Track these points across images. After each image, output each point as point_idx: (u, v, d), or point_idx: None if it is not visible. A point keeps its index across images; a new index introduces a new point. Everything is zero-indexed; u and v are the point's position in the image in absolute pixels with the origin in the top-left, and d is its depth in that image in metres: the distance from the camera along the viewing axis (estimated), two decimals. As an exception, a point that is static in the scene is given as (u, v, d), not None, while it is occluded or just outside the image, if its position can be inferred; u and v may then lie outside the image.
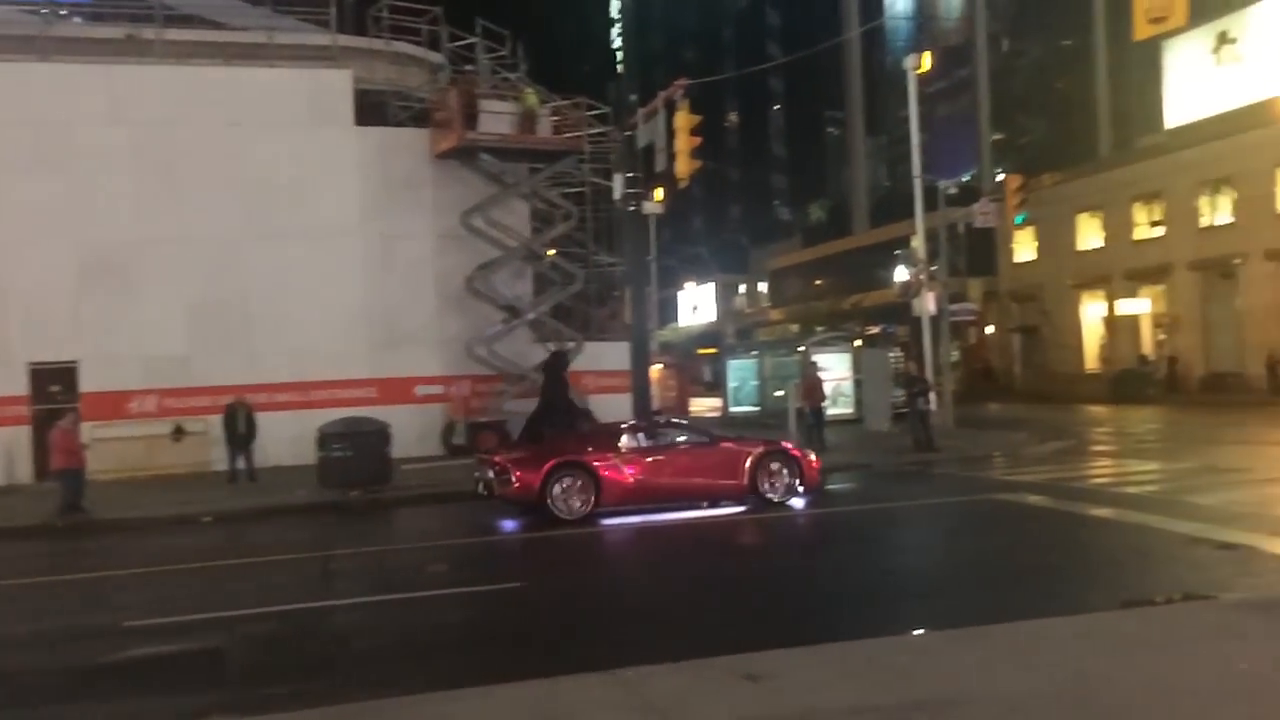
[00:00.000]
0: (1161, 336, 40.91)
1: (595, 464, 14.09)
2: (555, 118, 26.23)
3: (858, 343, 34.04)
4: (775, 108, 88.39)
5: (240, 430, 19.77)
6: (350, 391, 23.58)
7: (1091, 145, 53.82)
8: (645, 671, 6.30)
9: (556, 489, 13.79)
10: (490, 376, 24.82)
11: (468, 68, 27.10)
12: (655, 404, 25.36)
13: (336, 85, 24.68)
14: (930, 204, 28.05)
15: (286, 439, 21.31)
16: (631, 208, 19.50)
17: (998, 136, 62.27)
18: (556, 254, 27.42)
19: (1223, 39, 37.29)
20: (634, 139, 19.18)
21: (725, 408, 34.31)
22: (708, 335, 69.69)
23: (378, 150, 24.93)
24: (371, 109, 25.60)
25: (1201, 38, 37.35)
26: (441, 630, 8.80)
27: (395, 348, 24.53)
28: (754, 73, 63.16)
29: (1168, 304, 40.53)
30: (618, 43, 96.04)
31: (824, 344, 31.87)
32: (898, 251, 36.99)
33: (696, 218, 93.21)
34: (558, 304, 26.73)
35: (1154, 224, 40.96)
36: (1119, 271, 41.93)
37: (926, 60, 27.86)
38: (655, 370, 32.92)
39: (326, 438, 17.78)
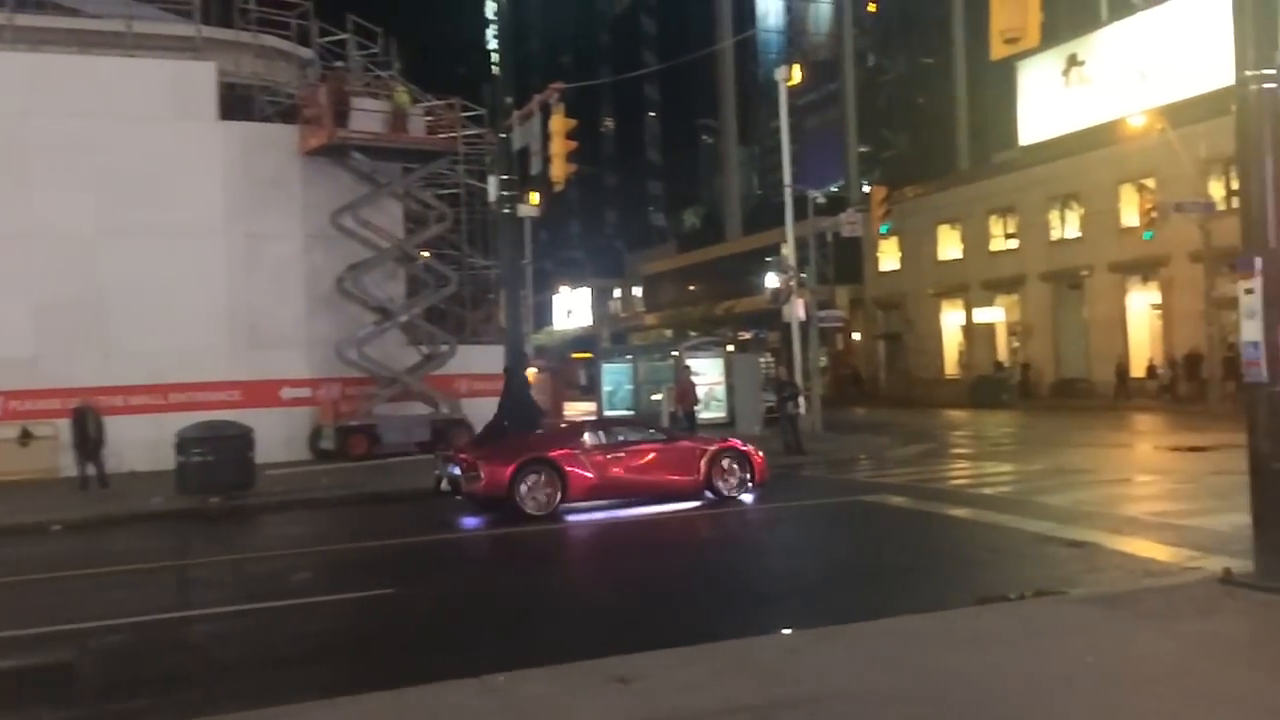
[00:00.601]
0: (1016, 344, 42.77)
1: (561, 461, 14.37)
2: (429, 118, 25.90)
3: (730, 348, 34.56)
4: (651, 114, 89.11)
5: (90, 435, 18.83)
6: (213, 394, 22.77)
7: (951, 159, 56.02)
8: (516, 677, 6.28)
9: (523, 486, 14.04)
10: (361, 379, 24.32)
11: (338, 64, 26.53)
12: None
13: (199, 77, 23.82)
14: (800, 213, 28.71)
15: (143, 444, 20.39)
16: (507, 210, 19.37)
17: (864, 149, 64.20)
18: (430, 255, 27.07)
19: (1072, 61, 39.25)
20: (509, 141, 19.09)
21: (600, 412, 34.39)
22: (583, 339, 69.80)
23: (243, 146, 24.15)
24: (237, 104, 24.81)
25: (1053, 59, 39.22)
26: (307, 639, 8.58)
27: (261, 349, 23.80)
28: (630, 79, 63.62)
29: (1021, 313, 42.40)
30: (493, 44, 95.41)
31: (697, 349, 32.27)
32: (769, 259, 37.75)
33: (573, 222, 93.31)
34: (431, 306, 26.39)
35: (1008, 236, 42.81)
36: (976, 281, 43.67)
37: (796, 73, 28.50)
38: (530, 374, 32.80)
39: (185, 442, 17.10)
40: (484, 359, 25.47)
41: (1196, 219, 29.27)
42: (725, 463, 15.31)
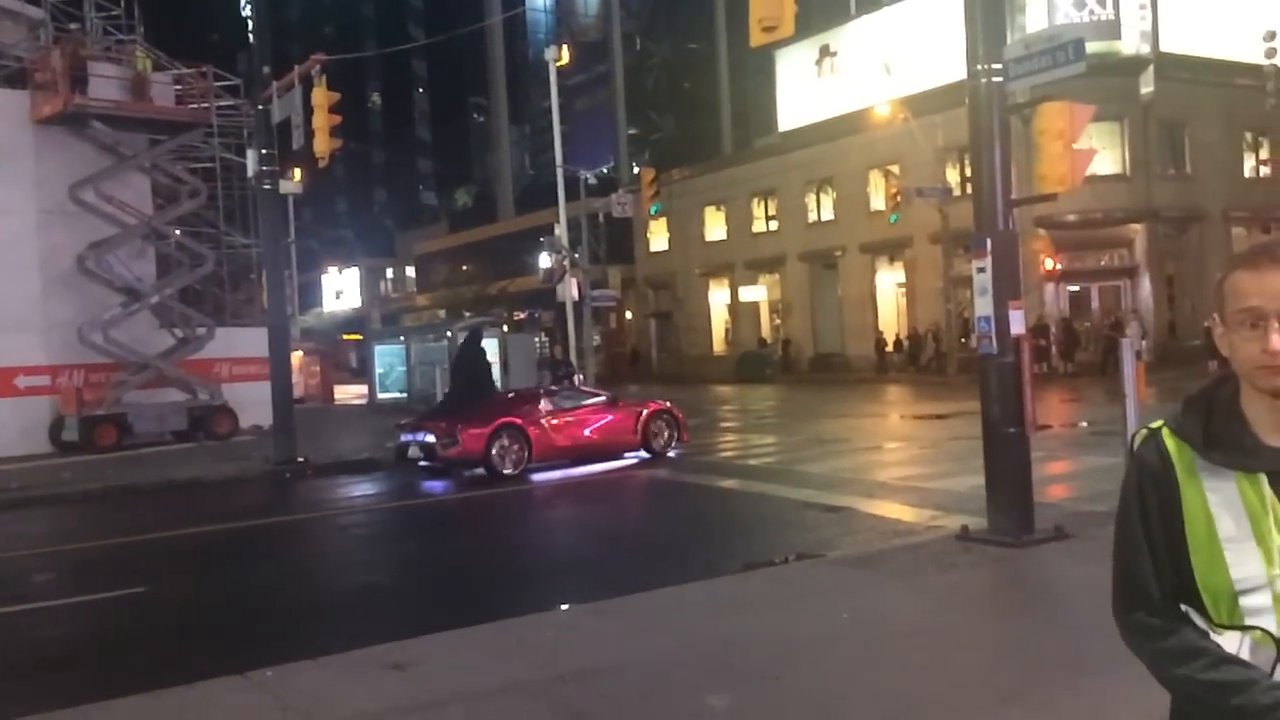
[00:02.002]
0: (777, 321, 44.76)
1: (526, 425, 15.55)
2: (179, 87, 24.33)
3: (505, 328, 34.41)
4: (420, 91, 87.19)
5: None
6: (-69, 385, 20.66)
7: (716, 143, 57.83)
8: (284, 670, 6.08)
9: (496, 449, 15.10)
10: (108, 365, 22.65)
11: (74, 26, 24.45)
12: (297, 391, 24.33)
13: (-92, 34, 21.44)
14: (572, 193, 28.94)
15: None
16: (267, 186, 18.45)
17: (633, 131, 65.28)
18: (183, 233, 25.47)
19: (825, 52, 41.27)
20: (269, 114, 18.17)
21: (372, 394, 33.53)
22: (353, 321, 67.74)
23: (-37, 112, 21.93)
24: (-45, 66, 22.49)
25: (807, 49, 41.09)
26: (50, 644, 7.96)
27: (-11, 335, 21.76)
28: (397, 53, 61.92)
29: (782, 292, 44.38)
30: (249, 11, 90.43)
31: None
32: (542, 239, 37.77)
33: (340, 200, 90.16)
34: (186, 287, 24.87)
35: (770, 218, 44.68)
36: (740, 261, 45.35)
37: (565, 53, 28.61)
38: (297, 357, 31.54)
39: (-99, 439, 15.44)
40: (246, 342, 24.27)
41: (936, 203, 31.47)
42: (657, 424, 16.83)
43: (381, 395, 32.73)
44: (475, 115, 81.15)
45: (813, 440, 18.50)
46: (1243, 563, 1.76)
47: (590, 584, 8.51)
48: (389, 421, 23.69)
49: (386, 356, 33.66)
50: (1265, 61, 30.84)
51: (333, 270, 75.71)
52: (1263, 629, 1.75)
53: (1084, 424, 18.09)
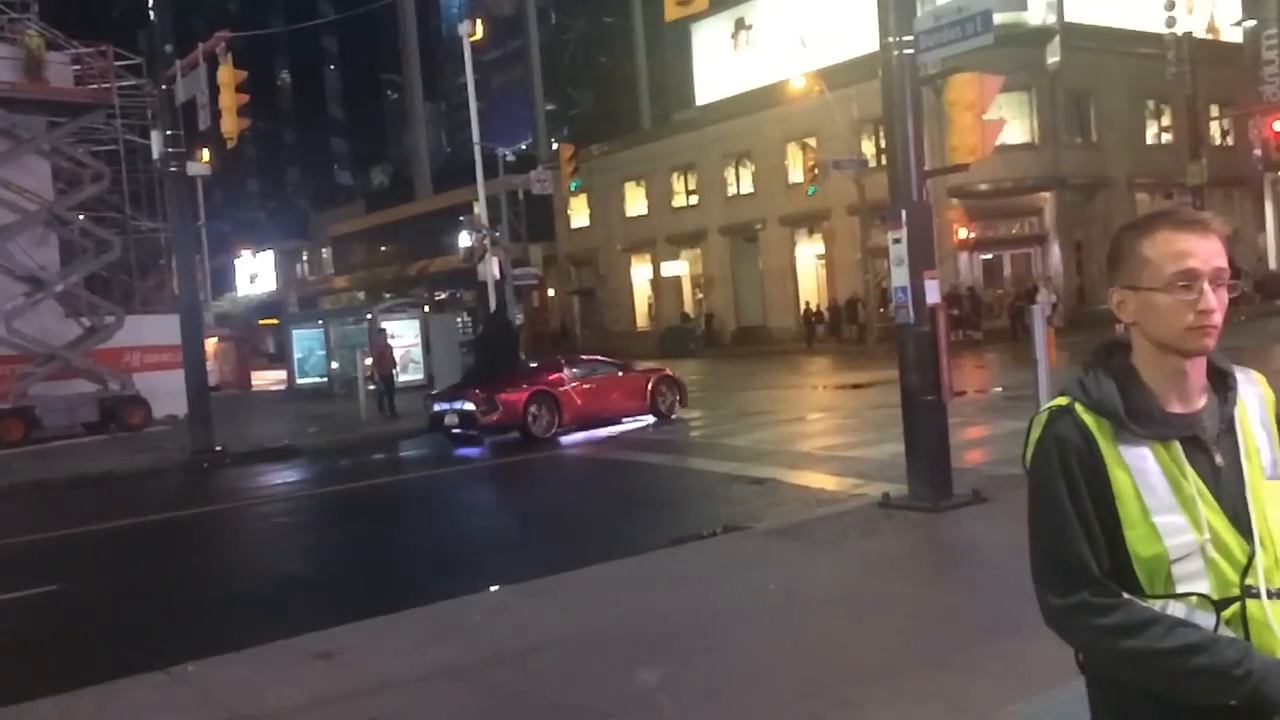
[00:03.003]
0: (700, 295, 44.98)
1: (556, 392, 16.81)
2: (77, 66, 23.46)
3: (426, 309, 34.02)
4: (331, 68, 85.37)
5: None
6: None
7: (635, 118, 57.64)
8: (207, 664, 5.97)
9: (531, 413, 16.31)
10: (12, 357, 21.87)
11: (-39, 3, 23.42)
12: (212, 379, 23.81)
13: None
14: (491, 171, 28.63)
15: None
16: (174, 168, 17.90)
17: (551, 107, 64.77)
18: (87, 218, 24.65)
19: (740, 25, 41.40)
20: (173, 94, 17.63)
21: (291, 380, 32.92)
22: (269, 305, 66.26)
23: None
24: None
25: (723, 23, 41.16)
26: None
27: (-119, 329, 20.85)
28: (306, 30, 60.49)
29: (703, 266, 44.59)
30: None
31: (392, 311, 31.54)
32: (461, 217, 37.32)
33: (251, 181, 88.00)
34: (92, 274, 24.09)
35: (690, 193, 44.79)
36: (662, 236, 45.43)
37: (479, 29, 28.22)
38: (211, 343, 30.79)
39: None
40: (158, 329, 23.63)
41: (852, 175, 31.83)
42: (662, 390, 18.12)
43: (301, 380, 32.15)
44: (389, 93, 79.76)
45: (737, 413, 18.65)
46: (1174, 532, 1.78)
47: (518, 564, 8.49)
48: (309, 407, 23.34)
49: (305, 341, 33.06)
50: (1166, 30, 31.74)
51: (246, 254, 73.93)
52: (1199, 594, 1.78)
53: (998, 389, 18.53)
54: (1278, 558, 1.80)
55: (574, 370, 17.74)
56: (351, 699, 5.37)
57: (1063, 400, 1.90)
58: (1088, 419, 1.85)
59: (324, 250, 72.43)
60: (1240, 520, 1.80)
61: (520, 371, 17.73)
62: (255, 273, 74.83)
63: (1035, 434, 1.90)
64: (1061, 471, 1.83)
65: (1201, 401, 1.88)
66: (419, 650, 6.01)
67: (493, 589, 7.56)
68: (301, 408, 26.00)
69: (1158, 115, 38.12)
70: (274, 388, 35.47)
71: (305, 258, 75.43)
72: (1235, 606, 1.77)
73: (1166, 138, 37.95)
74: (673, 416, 17.95)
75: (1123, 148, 36.09)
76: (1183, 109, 34.09)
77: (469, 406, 16.50)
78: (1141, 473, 1.81)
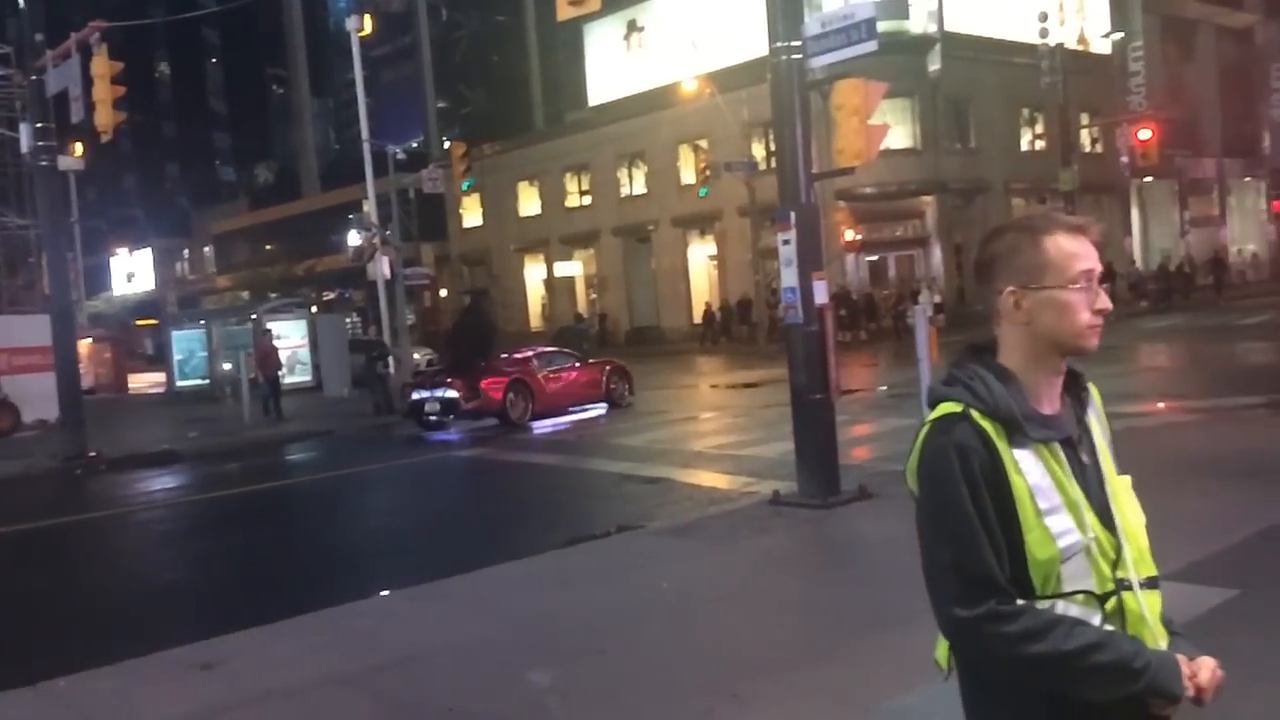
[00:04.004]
0: (593, 296, 45.02)
1: (530, 381, 18.12)
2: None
3: (314, 309, 33.28)
4: (213, 61, 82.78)
5: None
6: None
7: (528, 117, 57.36)
8: (81, 679, 5.72)
9: (509, 401, 17.54)
10: None
11: None
12: (86, 381, 22.86)
13: None
14: (380, 169, 28.14)
15: None
16: (44, 162, 17.11)
17: (442, 105, 63.96)
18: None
19: (632, 26, 41.58)
20: (43, 85, 16.86)
21: (170, 382, 31.81)
22: (147, 304, 63.95)
23: None
24: None
25: (615, 24, 41.28)
26: None
27: None
28: (186, 20, 58.51)
29: (597, 266, 44.64)
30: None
31: (277, 311, 30.78)
32: (350, 216, 36.69)
33: (128, 176, 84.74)
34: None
35: (583, 193, 44.78)
36: (556, 236, 45.32)
37: (368, 23, 27.71)
38: (85, 344, 29.53)
39: None
40: (27, 330, 22.54)
41: (743, 177, 32.24)
42: (615, 379, 19.45)
43: (181, 383, 31.11)
44: (274, 87, 77.76)
45: (630, 413, 18.73)
46: (1063, 533, 1.80)
47: (409, 568, 8.35)
48: (189, 411, 22.61)
49: (185, 342, 32.01)
50: (1039, 41, 32.98)
51: (122, 252, 71.12)
52: (1086, 591, 1.81)
53: (884, 388, 19.00)
54: (1140, 549, 1.88)
55: (542, 362, 18.98)
56: (235, 710, 5.21)
57: (954, 406, 1.85)
58: (985, 424, 1.82)
59: (206, 248, 70.20)
60: (1105, 516, 1.86)
61: (494, 363, 18.68)
62: (132, 271, 72.08)
63: (931, 441, 1.85)
64: (965, 479, 1.79)
65: (1059, 403, 1.93)
66: (306, 658, 5.88)
67: (382, 594, 7.44)
68: (182, 411, 25.13)
69: (1032, 123, 39.60)
70: (152, 390, 34.22)
71: (186, 256, 73.02)
72: (1113, 600, 1.82)
73: (1040, 144, 39.45)
74: (625, 403, 19.34)
75: (1000, 154, 37.39)
76: (1055, 117, 35.45)
77: (451, 394, 17.59)
78: (1033, 476, 1.81)
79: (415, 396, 18.33)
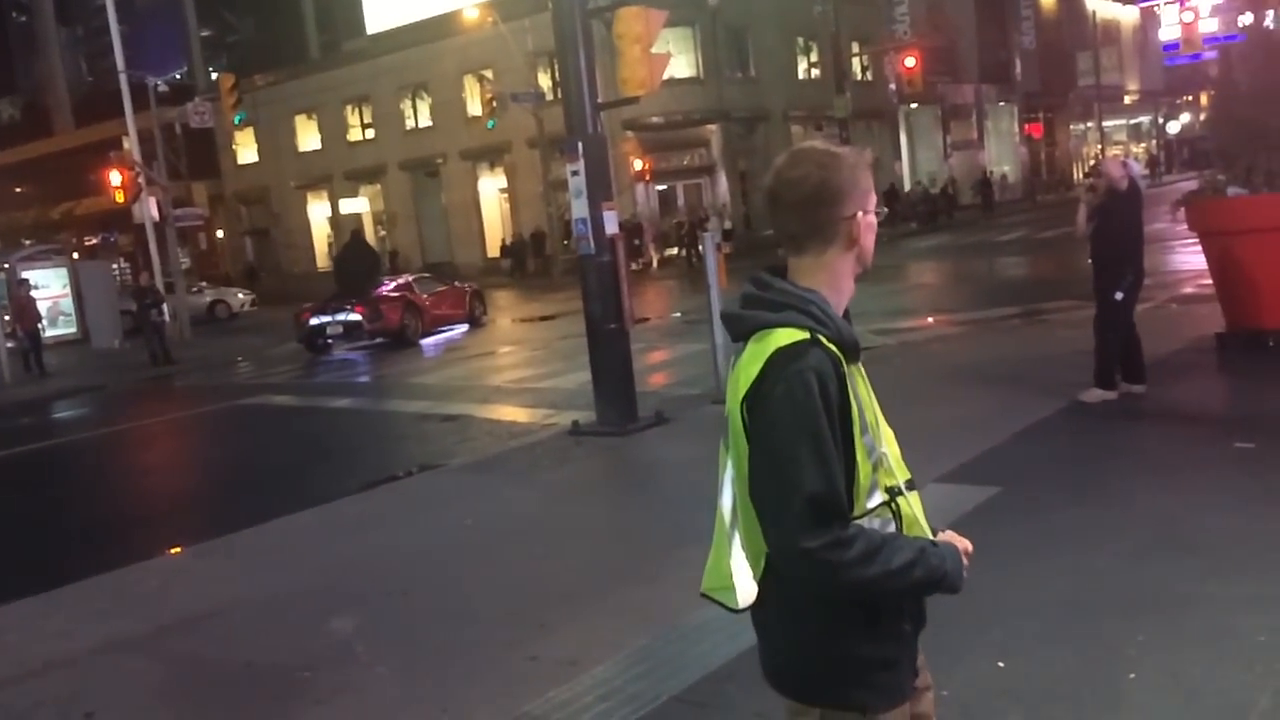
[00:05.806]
0: (383, 233, 43.71)
1: (419, 303, 20.12)
2: None
3: (75, 255, 30.91)
4: (-65, -18, 74.33)
5: None
6: None
7: (302, 47, 54.49)
8: None
9: (405, 321, 19.48)
10: None
11: None
12: None
13: None
14: (141, 102, 26.22)
15: None
16: None
17: (207, 33, 59.98)
18: None
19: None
20: None
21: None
22: (-125, 257, 57.61)
23: None
24: None
25: (393, -53, 39.59)
26: None
27: None
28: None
29: (385, 202, 43.33)
30: None
31: (33, 259, 28.40)
32: (112, 154, 33.96)
33: None
34: None
35: (366, 126, 43.17)
36: (339, 172, 43.62)
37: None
38: None
39: None
40: None
41: (530, 108, 31.90)
42: (475, 300, 22.07)
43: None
44: (15, 15, 70.76)
45: (424, 350, 18.44)
46: (872, 450, 1.86)
47: (199, 524, 8.00)
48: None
49: (-73, 297, 29.12)
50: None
51: None
52: (882, 504, 1.88)
53: (677, 315, 19.43)
54: (897, 455, 1.99)
55: (420, 287, 20.89)
56: (13, 685, 4.91)
57: (800, 333, 1.82)
58: (834, 349, 1.83)
59: (-57, 193, 63.70)
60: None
61: (383, 289, 20.09)
62: None
63: (785, 368, 1.79)
64: (824, 407, 1.77)
65: None
66: (88, 625, 5.58)
67: (170, 552, 7.12)
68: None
69: (808, 51, 40.82)
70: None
71: (-80, 202, 66.08)
72: (892, 507, 1.90)
73: (816, 73, 40.76)
74: (483, 322, 21.85)
75: (778, 82, 38.39)
76: (829, 46, 36.67)
77: (355, 317, 19.09)
78: (857, 397, 1.86)
79: (315, 321, 19.42)
